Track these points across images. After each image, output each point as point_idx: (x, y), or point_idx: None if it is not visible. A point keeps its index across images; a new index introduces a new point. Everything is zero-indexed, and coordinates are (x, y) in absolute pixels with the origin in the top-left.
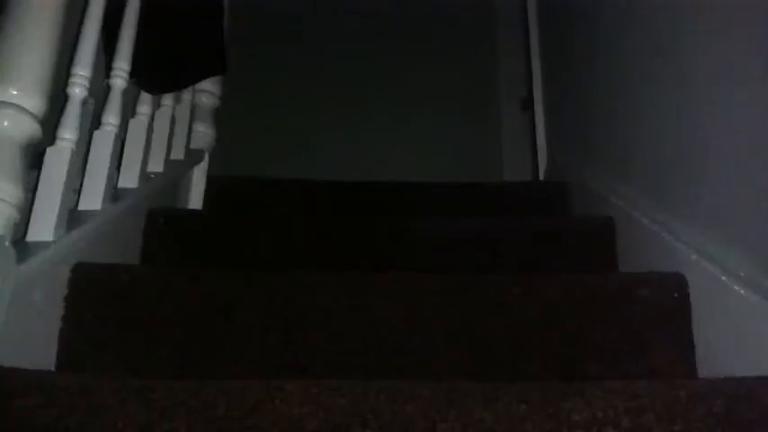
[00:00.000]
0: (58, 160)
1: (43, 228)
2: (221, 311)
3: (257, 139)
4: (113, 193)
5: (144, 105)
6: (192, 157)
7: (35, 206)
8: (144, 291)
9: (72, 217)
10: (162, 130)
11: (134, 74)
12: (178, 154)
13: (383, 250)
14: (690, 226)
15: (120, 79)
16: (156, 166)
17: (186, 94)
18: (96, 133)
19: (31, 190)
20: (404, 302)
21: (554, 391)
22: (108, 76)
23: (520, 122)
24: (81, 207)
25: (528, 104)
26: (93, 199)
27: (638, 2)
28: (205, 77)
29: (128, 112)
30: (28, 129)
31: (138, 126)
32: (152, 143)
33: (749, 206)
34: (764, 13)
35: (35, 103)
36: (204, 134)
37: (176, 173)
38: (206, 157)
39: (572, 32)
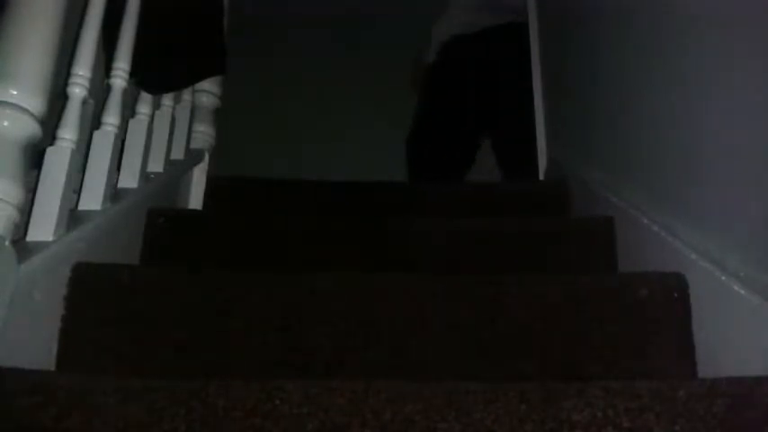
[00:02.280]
0: (58, 160)
1: (43, 228)
2: (221, 311)
3: (257, 139)
4: (113, 193)
5: (144, 105)
6: (192, 157)
7: (35, 206)
8: (144, 291)
9: (72, 217)
10: (162, 130)
11: (134, 74)
12: (178, 154)
13: (383, 250)
14: (690, 226)
15: (120, 79)
16: (156, 166)
17: (186, 94)
18: (96, 133)
19: (31, 190)
20: (404, 302)
21: (554, 391)
22: (108, 76)
23: None
24: (81, 207)
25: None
26: (93, 199)
27: (638, 2)
28: (205, 77)
29: (128, 112)
30: (28, 129)
31: (138, 126)
32: (152, 143)
33: (749, 206)
34: (765, 14)
35: (35, 103)
36: (204, 134)
37: (176, 173)
38: (206, 157)
39: (572, 32)
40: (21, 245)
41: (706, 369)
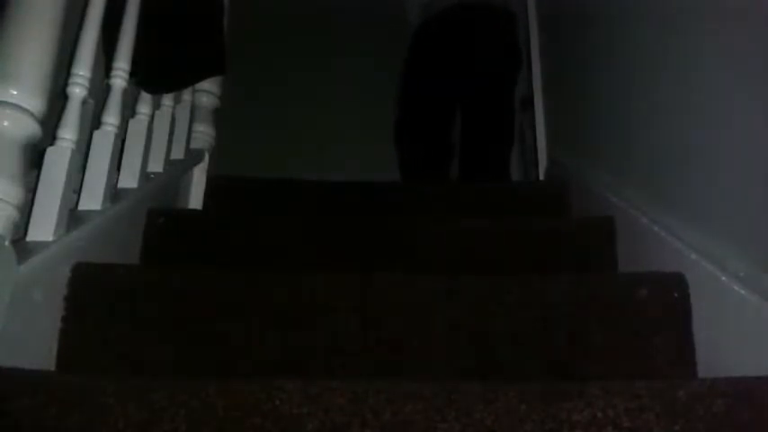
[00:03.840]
0: (58, 160)
1: (43, 228)
2: (221, 311)
3: (257, 139)
4: (113, 193)
5: (144, 105)
6: (192, 156)
7: (35, 206)
8: (144, 291)
9: (72, 217)
10: (162, 130)
11: (134, 74)
12: (178, 154)
13: (383, 250)
14: (690, 226)
15: (120, 79)
16: (156, 166)
17: (186, 95)
18: (96, 133)
19: (31, 190)
20: (404, 302)
21: (554, 391)
22: (108, 76)
23: (520, 122)
24: (81, 207)
25: (528, 104)
26: (93, 199)
27: (638, 2)
28: (205, 77)
29: (128, 112)
30: (28, 129)
31: (138, 126)
32: (152, 143)
33: (749, 206)
34: (765, 14)
35: (35, 103)
36: (204, 134)
37: (176, 173)
38: (206, 157)
39: (573, 33)
40: (21, 245)
41: (706, 369)
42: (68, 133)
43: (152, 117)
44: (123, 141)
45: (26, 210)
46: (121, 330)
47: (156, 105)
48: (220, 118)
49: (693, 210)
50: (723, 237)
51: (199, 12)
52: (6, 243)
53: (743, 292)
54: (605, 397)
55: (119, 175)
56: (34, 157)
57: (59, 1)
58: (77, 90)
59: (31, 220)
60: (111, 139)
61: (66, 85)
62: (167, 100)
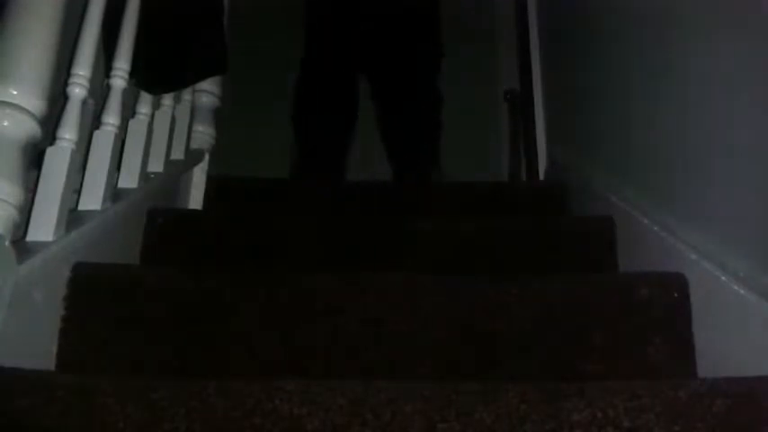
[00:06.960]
0: (58, 160)
1: (43, 228)
2: (221, 311)
3: (257, 139)
4: (113, 193)
5: (144, 105)
6: (192, 156)
7: (35, 206)
8: (144, 291)
9: (72, 217)
10: (162, 130)
11: (134, 74)
12: (178, 154)
13: (383, 250)
14: (690, 226)
15: (120, 79)
16: (156, 166)
17: (186, 94)
18: (96, 133)
19: (31, 190)
20: (404, 302)
21: (554, 391)
22: (108, 76)
23: (520, 122)
24: (81, 207)
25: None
26: (93, 199)
27: (639, 2)
28: (205, 77)
29: (128, 112)
30: (28, 129)
31: (138, 126)
32: (152, 143)
33: (749, 206)
34: (764, 16)
35: (35, 103)
36: (204, 134)
37: (176, 173)
38: (206, 157)
39: (572, 32)
40: (21, 245)
41: (706, 369)
42: (68, 133)
43: (152, 117)
44: (123, 141)
45: (26, 210)
46: (121, 330)
47: (156, 105)
48: (220, 118)
49: (694, 210)
50: (723, 237)
51: (199, 12)
52: (6, 243)
53: (743, 291)
54: (605, 397)
55: (119, 175)
56: (34, 157)
57: (59, 0)
58: (77, 90)
59: (31, 220)
60: (111, 139)
61: (66, 85)
62: (167, 100)
